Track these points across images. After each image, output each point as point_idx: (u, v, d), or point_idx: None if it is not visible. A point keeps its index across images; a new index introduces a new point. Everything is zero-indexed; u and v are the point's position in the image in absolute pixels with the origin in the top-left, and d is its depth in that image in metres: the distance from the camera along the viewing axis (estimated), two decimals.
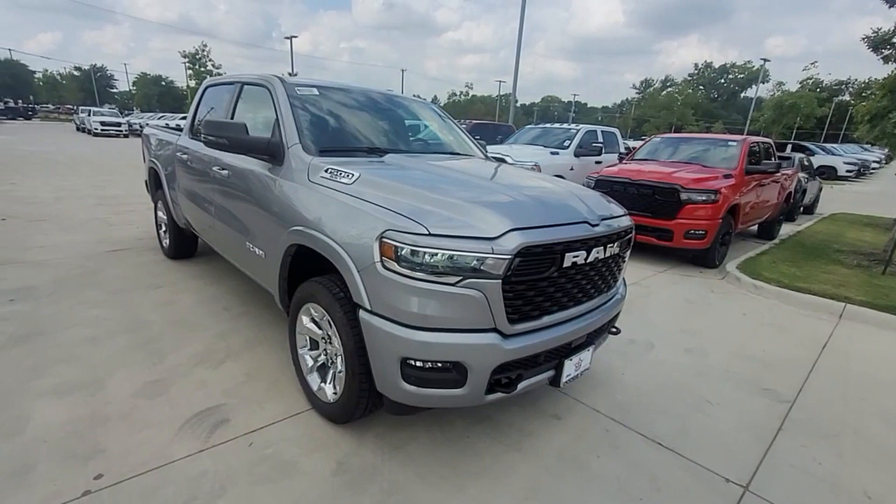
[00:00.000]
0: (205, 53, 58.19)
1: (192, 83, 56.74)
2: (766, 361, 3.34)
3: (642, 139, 18.34)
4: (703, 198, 5.38)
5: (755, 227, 7.75)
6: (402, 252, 1.74)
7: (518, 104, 70.61)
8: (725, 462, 2.23)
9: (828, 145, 26.55)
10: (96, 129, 25.43)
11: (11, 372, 2.56)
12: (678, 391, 2.85)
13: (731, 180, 5.76)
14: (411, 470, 2.05)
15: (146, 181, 5.02)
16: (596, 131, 9.28)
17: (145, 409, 2.33)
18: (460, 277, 1.72)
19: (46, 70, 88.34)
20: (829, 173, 21.17)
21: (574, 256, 1.94)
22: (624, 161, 7.38)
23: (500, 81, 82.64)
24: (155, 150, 4.60)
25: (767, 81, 58.86)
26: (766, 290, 4.86)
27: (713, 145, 6.84)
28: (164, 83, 78.00)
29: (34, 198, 7.33)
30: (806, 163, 10.57)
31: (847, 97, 57.90)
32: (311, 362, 2.39)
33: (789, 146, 16.56)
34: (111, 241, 5.19)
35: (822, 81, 58.78)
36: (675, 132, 41.68)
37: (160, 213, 4.73)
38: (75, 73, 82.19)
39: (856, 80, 60.41)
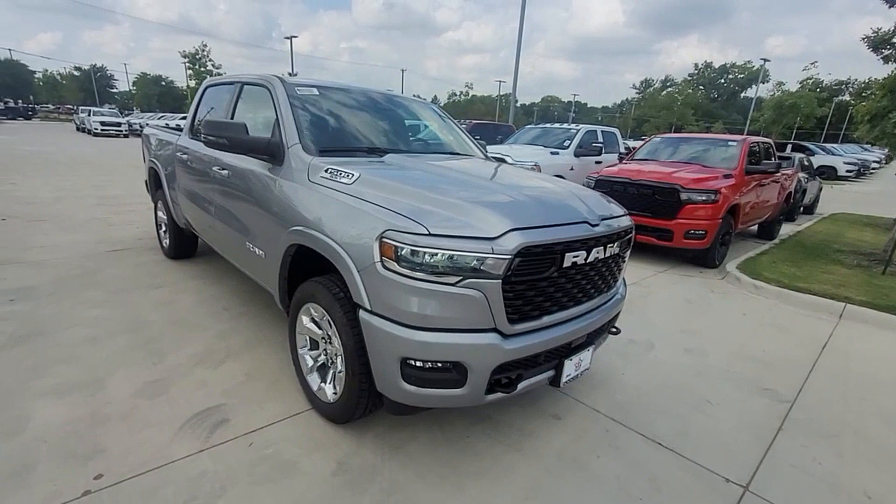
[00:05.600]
0: (205, 53, 58.23)
1: (192, 83, 56.75)
2: (766, 361, 3.34)
3: (642, 139, 18.34)
4: (703, 198, 5.38)
5: (755, 227, 7.75)
6: (403, 252, 1.74)
7: (518, 104, 70.64)
8: (725, 462, 2.23)
9: (828, 145, 26.55)
10: (96, 129, 25.43)
11: (11, 372, 2.56)
12: (678, 391, 2.85)
13: (731, 180, 5.76)
14: (411, 470, 2.05)
15: (146, 181, 5.02)
16: (596, 131, 9.28)
17: (145, 409, 2.33)
18: (460, 277, 1.72)
19: (46, 70, 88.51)
20: (829, 173, 21.17)
21: (574, 256, 1.94)
22: (624, 161, 7.38)
23: (500, 81, 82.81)
24: (155, 150, 4.59)
25: (767, 81, 58.84)
26: (766, 290, 4.86)
27: (713, 145, 6.84)
28: (164, 83, 77.98)
29: (34, 198, 7.33)
30: (806, 163, 10.57)
31: (847, 97, 57.90)
32: (311, 362, 2.39)
33: (789, 146, 16.55)
34: (111, 241, 5.19)
35: (822, 81, 58.79)
36: (675, 132, 41.68)
37: (160, 213, 4.73)
38: (75, 73, 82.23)
39: (856, 80, 60.50)
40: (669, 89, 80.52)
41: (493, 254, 1.72)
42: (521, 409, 2.55)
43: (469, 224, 1.80)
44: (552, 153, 8.24)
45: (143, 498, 1.80)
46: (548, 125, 9.94)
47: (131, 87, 79.05)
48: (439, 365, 1.81)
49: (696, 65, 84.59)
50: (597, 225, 2.08)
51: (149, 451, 2.03)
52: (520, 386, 1.97)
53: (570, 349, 2.15)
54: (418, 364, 1.81)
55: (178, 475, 1.92)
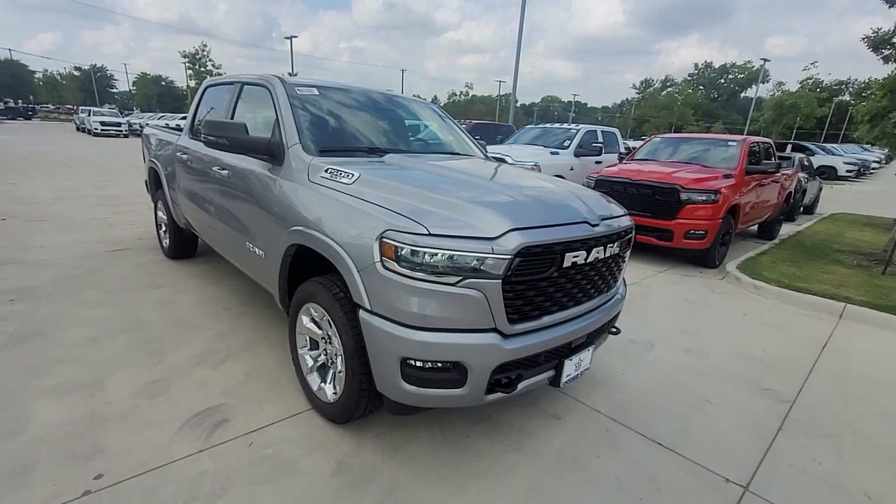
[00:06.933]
0: (205, 53, 58.23)
1: (192, 83, 56.75)
2: (766, 361, 3.34)
3: (642, 139, 18.34)
4: (703, 198, 5.38)
5: (755, 227, 7.75)
6: (402, 252, 1.74)
7: (518, 104, 70.66)
8: (725, 462, 2.23)
9: (828, 145, 26.55)
10: (96, 129, 25.42)
11: (11, 372, 2.56)
12: (678, 391, 2.85)
13: (731, 180, 5.76)
14: (411, 470, 2.05)
15: (146, 181, 5.02)
16: (596, 131, 9.28)
17: (145, 409, 2.33)
18: (460, 277, 1.72)
19: (46, 70, 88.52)
20: (829, 173, 21.17)
21: (574, 256, 1.94)
22: (624, 161, 7.38)
23: (500, 81, 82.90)
24: (155, 150, 4.60)
25: (767, 81, 58.83)
26: (766, 290, 4.86)
27: (713, 145, 6.84)
28: (164, 83, 77.98)
29: (34, 198, 7.33)
30: (806, 163, 10.57)
31: (847, 97, 57.90)
32: (311, 362, 2.39)
33: (789, 146, 16.54)
34: (111, 241, 5.19)
35: (822, 81, 58.79)
36: (675, 132, 41.68)
37: (160, 213, 4.73)
38: (75, 73, 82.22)
39: (856, 80, 60.51)
40: (669, 89, 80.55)
41: (493, 254, 1.72)
42: (521, 409, 2.55)
43: (469, 224, 1.80)
44: (552, 153, 8.24)
45: (143, 498, 1.80)
46: (548, 125, 9.94)
47: (131, 87, 79.07)
48: (439, 365, 1.81)
49: (696, 65, 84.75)
50: (597, 225, 2.08)
51: (149, 451, 2.03)
52: (520, 386, 1.97)
53: (570, 349, 2.15)
54: (418, 364, 1.81)
55: (178, 475, 1.92)
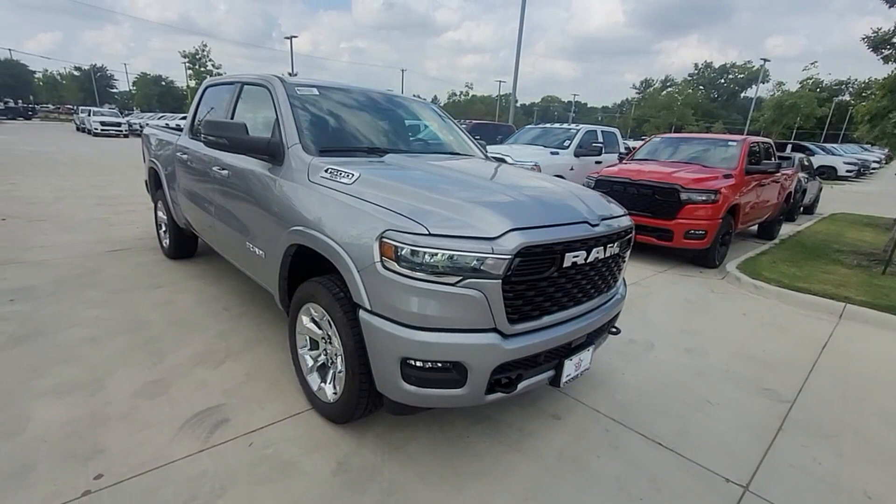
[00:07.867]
0: (205, 53, 58.18)
1: (192, 83, 56.74)
2: (766, 361, 3.34)
3: (642, 139, 18.34)
4: (703, 198, 5.38)
5: (755, 227, 7.75)
6: (402, 252, 1.74)
7: (518, 104, 70.67)
8: (725, 462, 2.23)
9: (828, 145, 26.55)
10: (96, 129, 25.42)
11: (11, 372, 2.56)
12: (678, 391, 2.85)
13: (731, 180, 5.76)
14: (411, 470, 2.05)
15: (146, 181, 5.03)
16: (596, 131, 9.28)
17: (145, 409, 2.33)
18: (460, 277, 1.72)
19: (46, 70, 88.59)
20: (829, 173, 21.17)
21: (574, 256, 1.94)
22: (624, 161, 7.38)
23: (500, 81, 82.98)
24: (155, 150, 4.60)
25: (767, 81, 58.79)
26: (766, 290, 4.86)
27: (713, 145, 6.84)
28: (164, 83, 78.01)
29: (34, 198, 7.33)
30: (806, 163, 10.57)
31: (847, 97, 57.91)
32: (311, 362, 2.39)
33: (789, 146, 16.58)
34: (111, 241, 5.19)
35: (822, 81, 58.75)
36: (675, 132, 41.68)
37: (160, 213, 4.73)
38: (75, 73, 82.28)
39: (856, 80, 60.51)
40: (669, 89, 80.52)
41: (493, 254, 1.72)
42: (521, 409, 2.55)
43: (469, 224, 1.80)
44: (552, 153, 8.24)
45: (143, 498, 1.80)
46: (548, 125, 9.94)
47: (131, 87, 79.08)
48: (439, 365, 1.81)
49: (696, 65, 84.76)
50: (597, 225, 2.08)
51: (149, 451, 2.03)
52: (520, 386, 1.97)
53: (570, 349, 2.15)
54: (418, 364, 1.81)
55: (178, 475, 1.92)
